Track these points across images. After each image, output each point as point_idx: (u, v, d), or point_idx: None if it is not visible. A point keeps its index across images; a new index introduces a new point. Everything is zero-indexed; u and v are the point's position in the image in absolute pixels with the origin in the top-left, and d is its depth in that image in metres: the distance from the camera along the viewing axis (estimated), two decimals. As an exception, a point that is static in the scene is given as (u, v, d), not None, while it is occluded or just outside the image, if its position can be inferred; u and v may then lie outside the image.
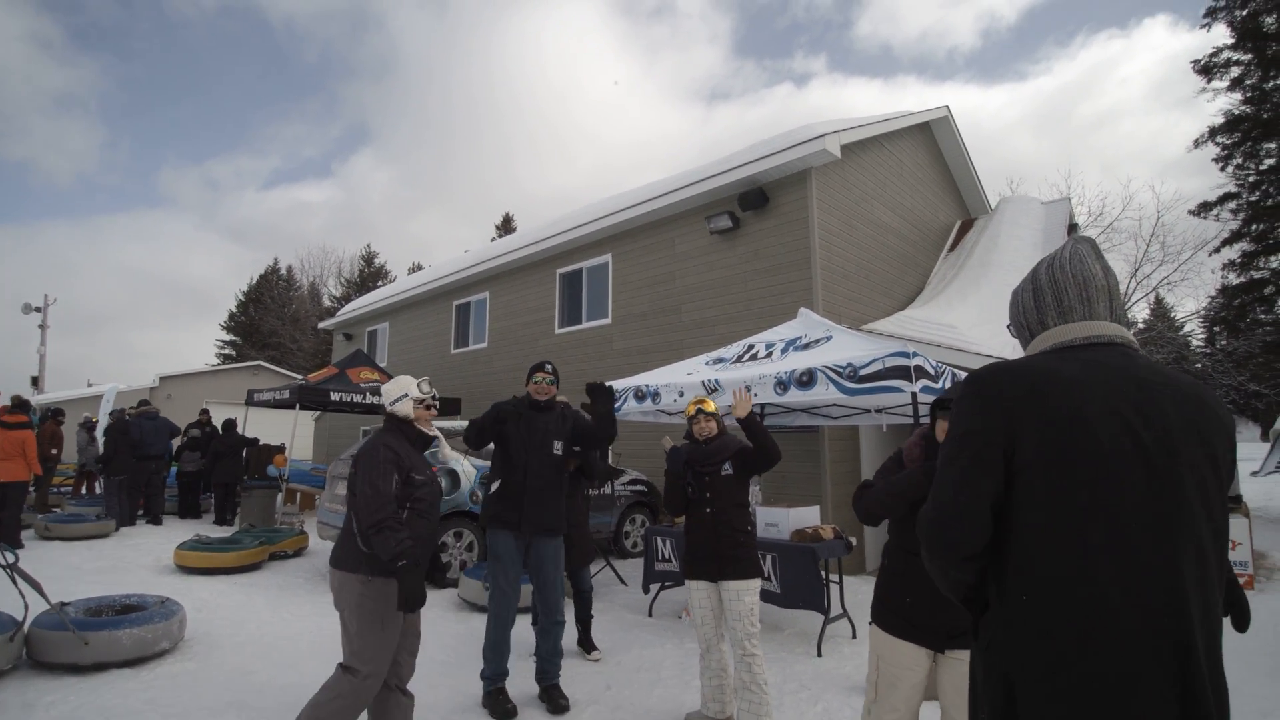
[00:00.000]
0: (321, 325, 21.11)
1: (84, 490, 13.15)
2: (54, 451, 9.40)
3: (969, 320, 9.03)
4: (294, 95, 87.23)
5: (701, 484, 3.51)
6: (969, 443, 1.25)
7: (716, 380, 5.05)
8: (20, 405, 8.48)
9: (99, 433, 12.29)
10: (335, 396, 10.21)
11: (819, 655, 4.65)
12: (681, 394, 5.24)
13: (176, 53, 79.92)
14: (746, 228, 8.62)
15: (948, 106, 11.53)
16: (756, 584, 3.52)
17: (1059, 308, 1.36)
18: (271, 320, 40.16)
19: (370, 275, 43.80)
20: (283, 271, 45.16)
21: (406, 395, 3.02)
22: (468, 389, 12.62)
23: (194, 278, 64.45)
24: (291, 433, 10.15)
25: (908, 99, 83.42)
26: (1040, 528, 1.17)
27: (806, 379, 4.56)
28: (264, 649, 4.65)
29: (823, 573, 4.77)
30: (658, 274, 9.67)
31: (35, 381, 25.58)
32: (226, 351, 42.19)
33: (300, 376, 26.92)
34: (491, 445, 3.95)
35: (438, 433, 3.14)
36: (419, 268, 42.04)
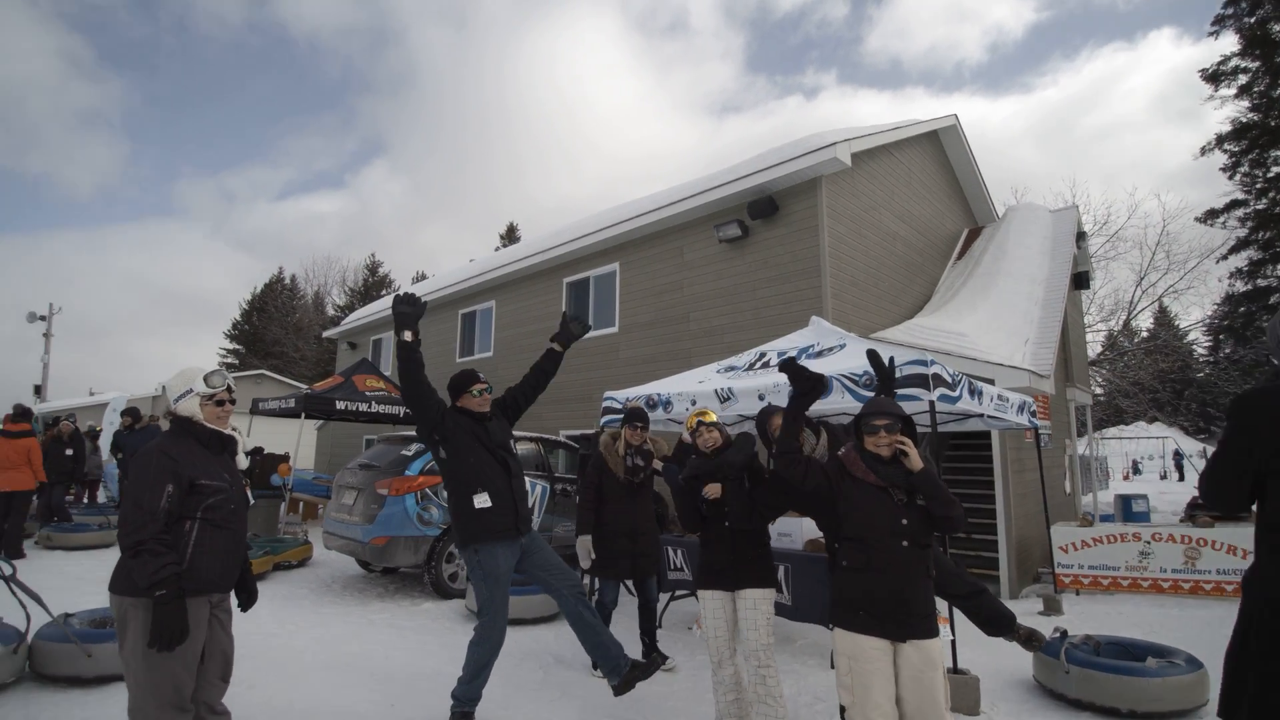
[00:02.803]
0: (326, 334, 21.13)
1: (85, 499, 13.09)
2: (68, 452, 9.33)
3: (978, 328, 8.96)
4: (312, 109, 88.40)
5: (711, 503, 3.42)
6: (1228, 445, 2.05)
7: (730, 389, 4.98)
8: (23, 414, 8.44)
9: (103, 441, 12.24)
10: (341, 405, 10.15)
11: (832, 667, 4.55)
12: (694, 401, 5.17)
13: (200, 68, 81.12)
14: (755, 236, 8.58)
15: (955, 115, 11.51)
16: (773, 594, 3.45)
17: None
18: (275, 329, 40.22)
19: (374, 284, 43.85)
20: (287, 280, 45.26)
21: (191, 391, 2.62)
22: (473, 398, 12.53)
23: (201, 287, 64.83)
24: (296, 442, 10.10)
25: (915, 110, 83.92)
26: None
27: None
28: (269, 662, 4.56)
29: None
30: (665, 283, 9.63)
31: (38, 390, 25.58)
32: (229, 360, 42.19)
33: (303, 385, 26.89)
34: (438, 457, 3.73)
35: (235, 431, 2.77)
36: (423, 277, 42.10)
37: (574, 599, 3.63)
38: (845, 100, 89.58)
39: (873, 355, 3.67)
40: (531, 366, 3.87)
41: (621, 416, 4.72)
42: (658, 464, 4.62)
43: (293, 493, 11.35)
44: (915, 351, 4.55)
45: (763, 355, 5.66)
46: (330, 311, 43.14)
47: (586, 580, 4.91)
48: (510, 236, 44.35)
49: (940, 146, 11.64)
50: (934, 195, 11.33)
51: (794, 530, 4.94)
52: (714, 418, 3.60)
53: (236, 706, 3.82)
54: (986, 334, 8.86)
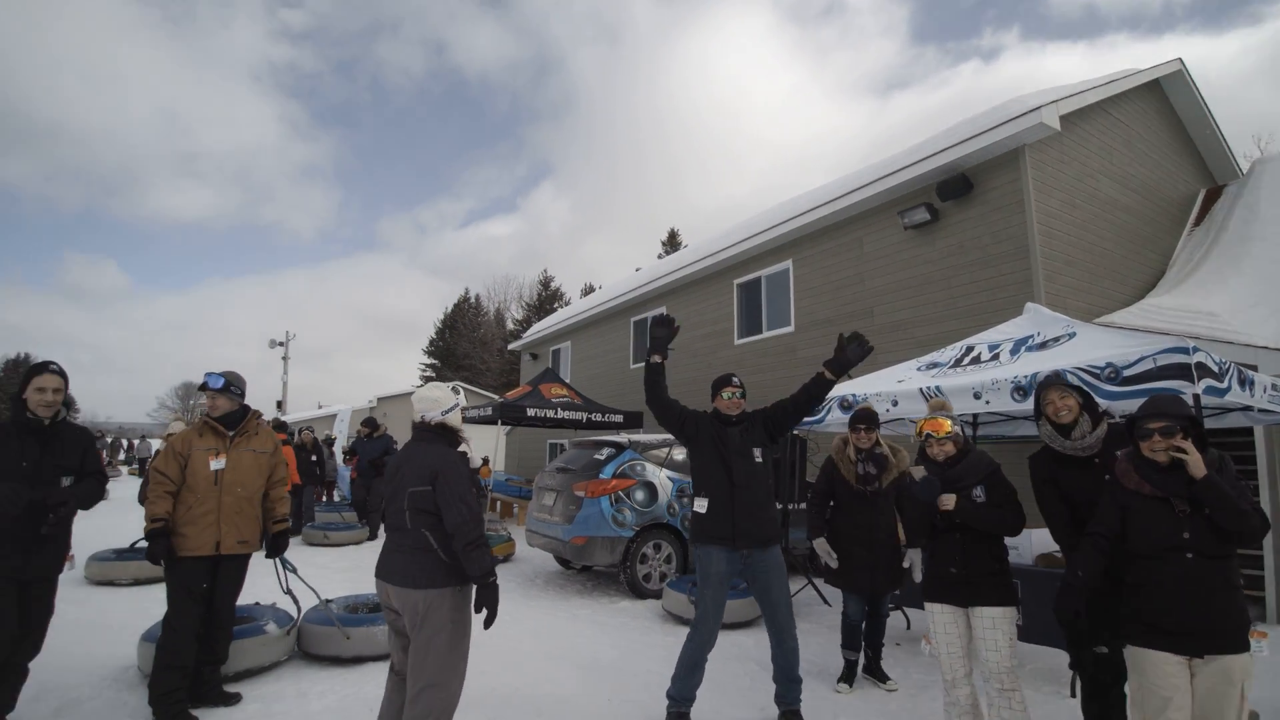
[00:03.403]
0: (511, 347, 22.75)
1: (324, 499, 15.14)
2: (313, 459, 10.81)
3: (1232, 306, 7.58)
4: (487, 142, 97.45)
5: (949, 512, 3.14)
6: None
7: (937, 387, 4.59)
8: (280, 425, 9.99)
9: (338, 448, 14.08)
10: (531, 412, 10.84)
11: (1073, 695, 4.03)
12: (895, 403, 4.84)
13: (393, 118, 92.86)
14: (947, 219, 7.91)
15: (1180, 59, 9.87)
16: (1014, 613, 3.10)
17: None
18: (464, 344, 44.15)
19: (547, 298, 46.65)
20: (472, 299, 49.50)
21: (457, 406, 2.94)
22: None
23: (401, 310, 73.62)
24: (495, 447, 10.92)
25: (1117, 60, 73.47)
26: None
27: (1053, 382, 3.99)
28: (490, 651, 4.90)
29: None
30: (844, 277, 9.19)
31: (279, 405, 30.19)
32: (428, 374, 46.88)
33: (492, 395, 29.18)
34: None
35: (467, 442, 3.05)
36: (591, 289, 44.04)
37: (773, 638, 3.62)
38: (1031, 59, 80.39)
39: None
40: (801, 386, 3.74)
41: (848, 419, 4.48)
42: (916, 470, 3.81)
43: (491, 492, 12.31)
44: (1172, 339, 3.90)
45: (970, 350, 5.18)
46: (510, 326, 46.54)
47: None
48: (672, 242, 45.07)
49: (1163, 97, 10.02)
50: (1160, 154, 9.77)
51: (1022, 544, 4.44)
52: (949, 428, 3.25)
53: (467, 690, 4.17)
54: (1243, 312, 7.47)
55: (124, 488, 15.57)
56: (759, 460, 3.66)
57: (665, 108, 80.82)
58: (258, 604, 4.73)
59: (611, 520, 6.38)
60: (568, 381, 14.63)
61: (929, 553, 3.26)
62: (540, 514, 7.15)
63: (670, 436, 6.96)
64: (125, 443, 30.76)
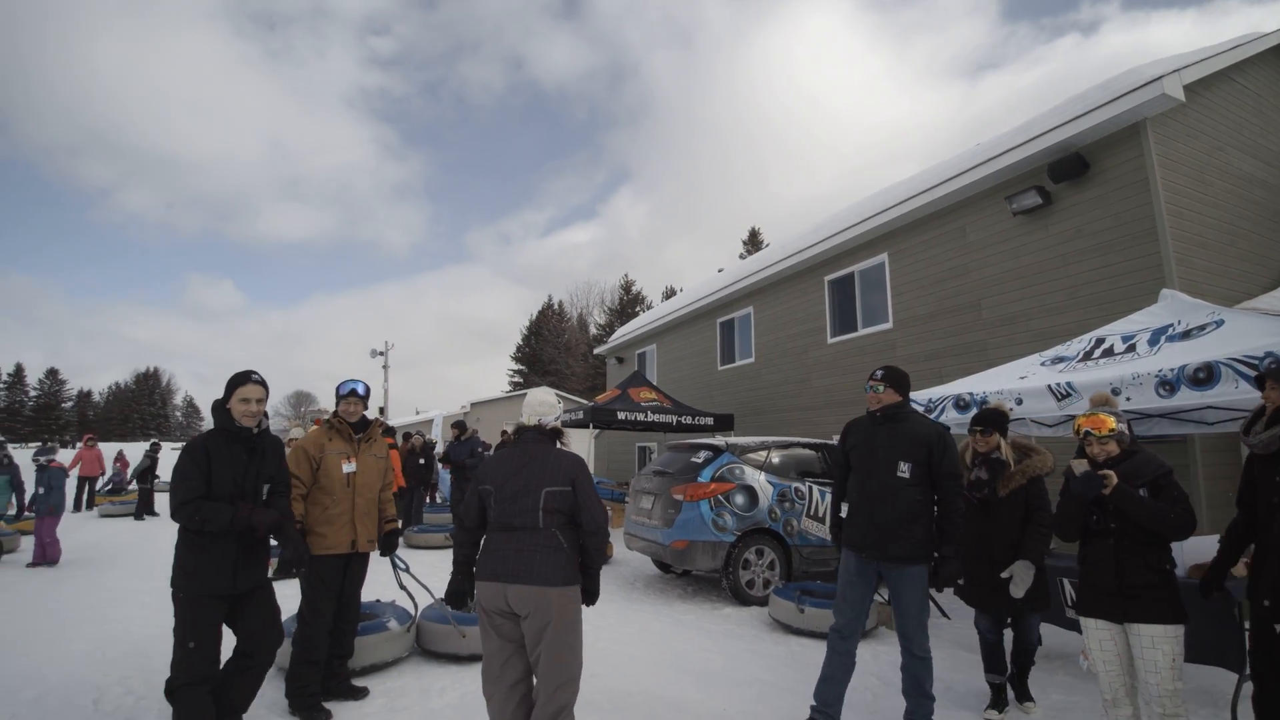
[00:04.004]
0: (596, 351, 23.06)
1: (429, 501, 15.76)
2: (421, 462, 11.29)
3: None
4: (566, 151, 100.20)
5: (1106, 513, 2.91)
6: None
7: (1068, 383, 4.28)
8: (388, 430, 10.48)
9: (437, 451, 14.64)
10: (621, 416, 10.92)
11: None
12: (1020, 400, 4.55)
13: (477, 134, 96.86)
14: (1061, 202, 7.40)
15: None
16: (1177, 631, 2.82)
17: None
18: (549, 349, 45.15)
19: (629, 302, 47.05)
20: (555, 306, 50.58)
21: (561, 412, 3.10)
22: (738, 404, 12.68)
23: (488, 319, 76.34)
24: (587, 450, 11.06)
25: (1233, 26, 67.06)
26: None
27: (1205, 376, 3.65)
28: (600, 653, 4.93)
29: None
30: (945, 269, 8.76)
31: (382, 410, 31.80)
32: (516, 379, 48.25)
33: (579, 399, 29.67)
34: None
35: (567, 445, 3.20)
36: (673, 291, 44.07)
37: (904, 644, 3.44)
38: (1135, 29, 74.93)
39: None
40: (942, 517, 3.47)
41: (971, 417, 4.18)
42: (1078, 463, 3.41)
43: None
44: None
45: (1100, 341, 4.81)
46: (593, 330, 47.21)
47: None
48: (753, 241, 44.53)
49: (1305, 58, 9.02)
50: (1306, 120, 8.80)
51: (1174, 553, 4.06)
52: (1112, 425, 2.98)
53: (584, 692, 4.21)
54: None
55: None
56: (903, 475, 3.35)
57: (742, 106, 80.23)
58: (379, 601, 4.96)
59: (712, 524, 6.31)
60: (655, 384, 14.69)
61: (1081, 560, 3.02)
62: (639, 517, 7.17)
63: (769, 439, 6.86)
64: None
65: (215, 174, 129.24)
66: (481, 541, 2.92)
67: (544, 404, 3.01)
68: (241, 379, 3.16)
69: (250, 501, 3.09)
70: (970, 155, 8.67)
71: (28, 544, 8.95)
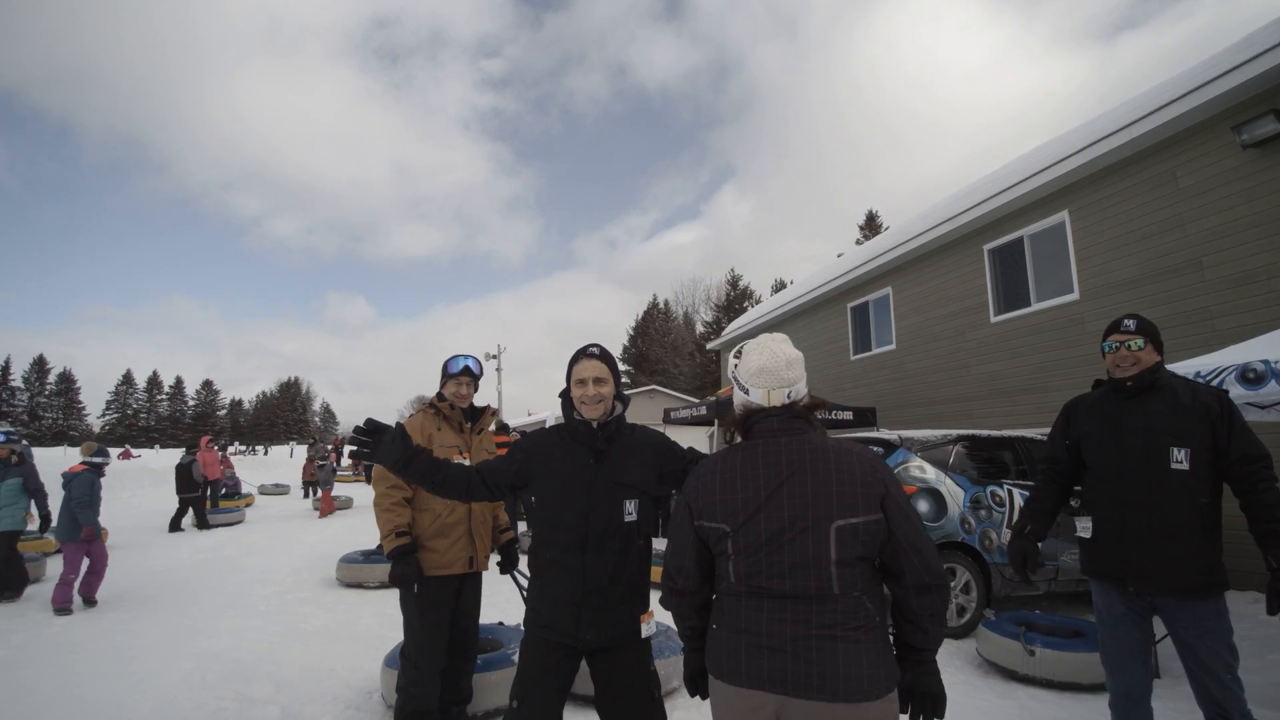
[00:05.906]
0: (709, 345, 22.22)
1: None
2: None
3: None
4: (671, 152, 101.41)
5: None
6: None
7: None
8: (503, 428, 10.13)
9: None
10: (748, 410, 9.93)
11: None
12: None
13: (584, 143, 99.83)
14: (1324, 123, 5.72)
15: None
16: None
17: None
18: (656, 349, 44.66)
19: (736, 297, 45.75)
20: (661, 306, 50.04)
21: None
22: (877, 396, 11.33)
23: (596, 323, 77.83)
24: (710, 447, 10.17)
25: None
26: None
27: None
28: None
29: None
30: (1150, 223, 7.16)
31: (496, 412, 32.63)
32: (624, 380, 48.22)
33: (687, 396, 28.86)
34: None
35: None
36: (782, 284, 42.44)
37: (1211, 712, 2.35)
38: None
39: None
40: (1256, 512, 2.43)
41: None
42: None
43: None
44: None
45: None
46: (699, 328, 46.29)
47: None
48: (870, 225, 42.10)
49: None
50: None
51: None
52: None
53: None
54: None
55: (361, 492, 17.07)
56: (1180, 466, 2.35)
57: (851, 92, 77.12)
58: (501, 624, 4.26)
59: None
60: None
61: None
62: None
63: (952, 433, 5.62)
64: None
65: (349, 200, 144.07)
66: (713, 603, 1.73)
67: (789, 359, 1.71)
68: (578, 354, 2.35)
69: None
70: (1172, 85, 7.02)
71: (55, 567, 6.51)
